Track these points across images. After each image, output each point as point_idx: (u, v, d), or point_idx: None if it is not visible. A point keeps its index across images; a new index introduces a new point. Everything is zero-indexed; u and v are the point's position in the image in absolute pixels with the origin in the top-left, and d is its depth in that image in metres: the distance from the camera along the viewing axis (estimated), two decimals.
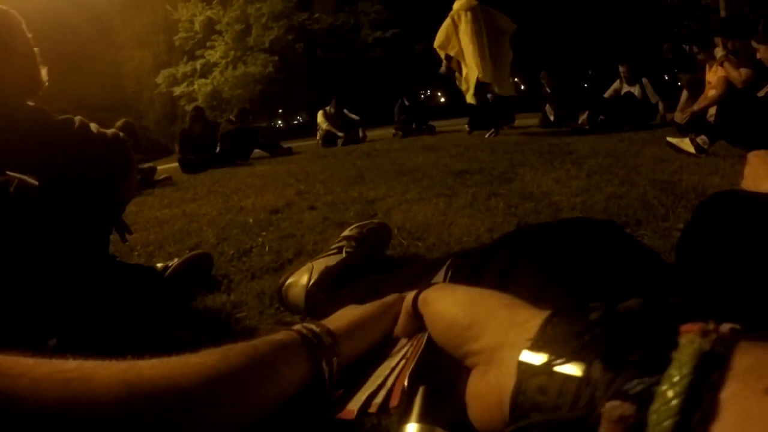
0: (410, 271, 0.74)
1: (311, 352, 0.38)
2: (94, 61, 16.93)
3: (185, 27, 17.94)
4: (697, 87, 4.07)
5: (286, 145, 6.88)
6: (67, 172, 0.96)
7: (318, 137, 7.19)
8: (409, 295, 0.40)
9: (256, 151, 6.30)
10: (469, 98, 5.16)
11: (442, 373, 0.34)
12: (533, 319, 0.27)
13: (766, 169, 0.73)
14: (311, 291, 0.95)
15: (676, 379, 0.18)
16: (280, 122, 21.71)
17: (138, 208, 2.74)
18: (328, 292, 0.89)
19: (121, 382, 0.27)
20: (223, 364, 0.33)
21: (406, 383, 0.36)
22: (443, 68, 5.42)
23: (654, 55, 6.61)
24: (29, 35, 1.07)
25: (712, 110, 3.29)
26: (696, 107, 3.68)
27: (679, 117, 3.93)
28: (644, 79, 5.27)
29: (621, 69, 5.37)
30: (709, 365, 0.17)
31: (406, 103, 7.26)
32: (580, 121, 5.37)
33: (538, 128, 5.84)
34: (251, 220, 2.01)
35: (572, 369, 0.21)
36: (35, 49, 1.08)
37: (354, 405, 0.37)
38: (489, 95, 5.43)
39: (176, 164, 5.86)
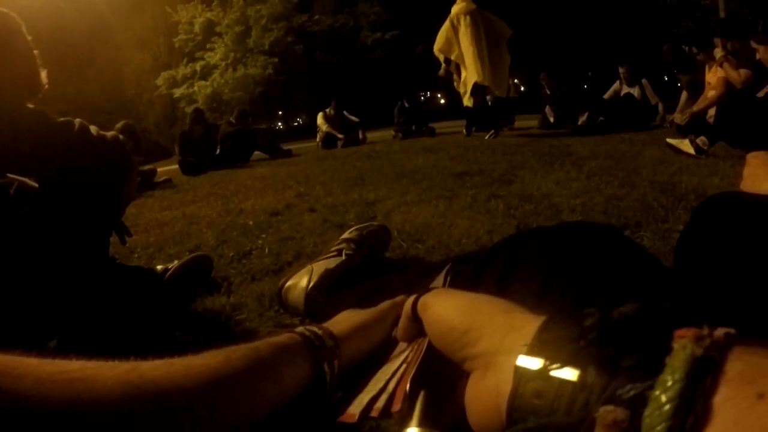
0: (410, 275, 0.74)
1: (313, 354, 0.39)
2: (94, 64, 16.94)
3: (185, 29, 17.93)
4: (697, 88, 4.07)
5: (286, 147, 6.90)
6: (67, 175, 0.96)
7: (318, 139, 7.19)
8: (409, 300, 0.40)
9: (256, 153, 6.30)
10: (466, 101, 5.18)
11: (443, 377, 0.35)
12: (530, 324, 0.27)
13: (766, 170, 0.72)
14: (311, 293, 0.95)
15: (669, 384, 0.18)
16: (280, 124, 21.73)
17: (138, 210, 2.74)
18: (327, 295, 0.89)
19: (124, 382, 0.27)
20: (226, 366, 0.33)
21: (407, 388, 0.36)
22: (442, 71, 5.45)
23: (653, 56, 6.61)
24: (29, 38, 1.07)
25: (712, 111, 3.29)
26: (696, 108, 3.69)
27: (678, 118, 3.93)
28: (644, 80, 5.27)
29: (621, 70, 5.37)
30: (702, 370, 0.18)
31: (406, 104, 7.26)
32: (579, 123, 5.38)
33: (538, 130, 5.86)
34: (251, 222, 2.01)
35: (568, 374, 0.22)
36: (35, 51, 1.09)
37: (355, 409, 0.37)
38: (488, 97, 5.44)
39: (176, 166, 5.86)
